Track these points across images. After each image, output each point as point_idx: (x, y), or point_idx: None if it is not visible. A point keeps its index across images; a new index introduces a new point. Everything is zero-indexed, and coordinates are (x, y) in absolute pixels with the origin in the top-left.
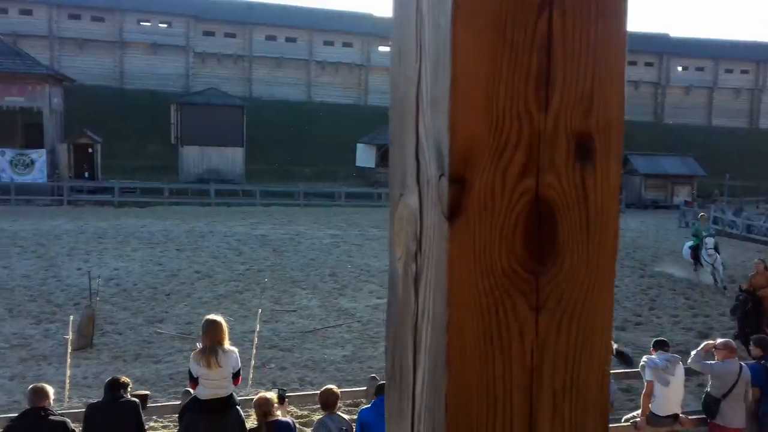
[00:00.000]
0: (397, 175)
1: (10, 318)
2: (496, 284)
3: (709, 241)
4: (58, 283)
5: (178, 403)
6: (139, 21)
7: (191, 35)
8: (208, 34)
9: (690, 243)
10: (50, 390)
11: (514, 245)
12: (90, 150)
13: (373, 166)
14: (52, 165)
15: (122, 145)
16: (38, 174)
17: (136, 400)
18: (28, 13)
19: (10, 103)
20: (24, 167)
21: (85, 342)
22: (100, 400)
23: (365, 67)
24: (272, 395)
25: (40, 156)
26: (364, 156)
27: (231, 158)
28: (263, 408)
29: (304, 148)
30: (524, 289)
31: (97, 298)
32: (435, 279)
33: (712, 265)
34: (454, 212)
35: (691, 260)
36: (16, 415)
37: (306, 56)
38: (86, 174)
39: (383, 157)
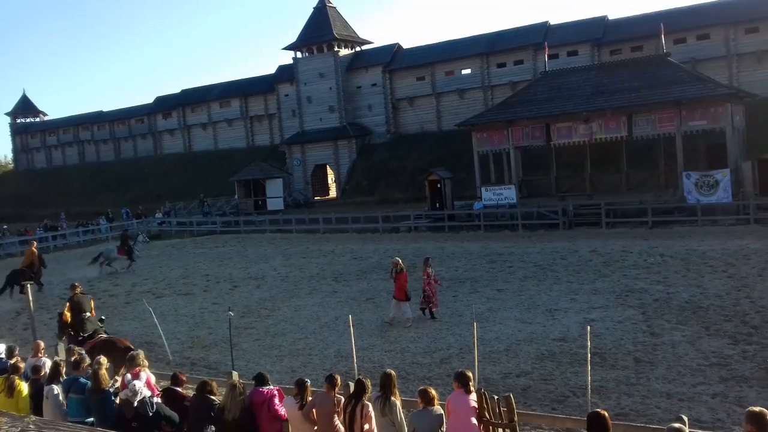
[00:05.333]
0: None
1: (707, 336)
2: None
3: None
4: (751, 304)
5: None
6: None
7: None
8: None
9: None
10: None
11: None
12: None
13: None
14: (736, 183)
15: None
16: (722, 194)
17: None
18: (705, 37)
19: (693, 127)
20: (708, 188)
21: None
22: None
23: None
24: None
25: (724, 176)
26: None
27: None
28: None
29: None
30: None
31: None
32: None
33: None
34: None
35: None
36: None
37: None
38: None
39: None
